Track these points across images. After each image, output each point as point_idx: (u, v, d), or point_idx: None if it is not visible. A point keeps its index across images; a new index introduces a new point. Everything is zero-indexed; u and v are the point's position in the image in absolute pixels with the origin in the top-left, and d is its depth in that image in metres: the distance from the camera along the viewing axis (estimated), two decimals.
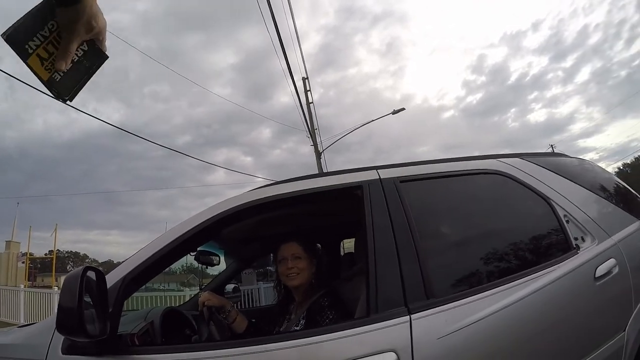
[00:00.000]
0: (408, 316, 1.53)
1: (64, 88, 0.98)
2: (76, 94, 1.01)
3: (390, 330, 1.51)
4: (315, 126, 17.70)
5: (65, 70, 0.96)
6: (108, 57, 1.06)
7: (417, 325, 1.51)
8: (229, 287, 3.57)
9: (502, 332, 1.57)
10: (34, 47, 0.92)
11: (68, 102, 1.00)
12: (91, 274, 1.52)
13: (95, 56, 1.04)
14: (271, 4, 8.54)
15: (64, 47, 0.93)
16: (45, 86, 0.95)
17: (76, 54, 0.98)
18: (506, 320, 1.58)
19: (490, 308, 1.57)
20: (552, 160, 2.16)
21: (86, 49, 1.01)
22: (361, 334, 1.51)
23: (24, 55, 0.91)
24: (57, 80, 0.96)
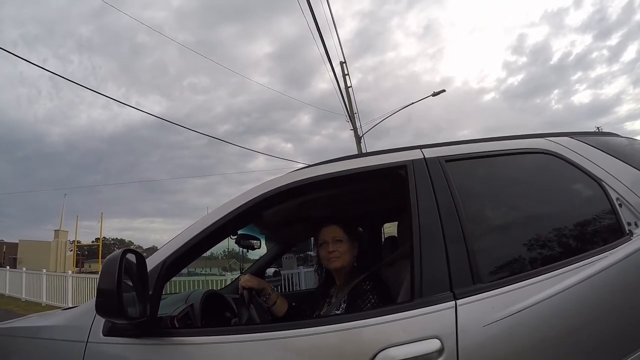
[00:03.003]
0: (454, 301, 1.48)
1: None
2: None
3: (435, 316, 1.46)
4: (355, 110, 17.53)
5: None
6: None
7: (462, 312, 1.46)
8: (270, 270, 3.59)
9: (552, 320, 1.49)
10: None
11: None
12: (131, 257, 1.54)
13: None
14: None
15: None
16: None
17: None
18: (556, 309, 1.50)
19: (538, 296, 1.49)
20: (603, 140, 2.04)
21: None
22: (404, 319, 1.47)
23: None
24: None
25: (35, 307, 13.30)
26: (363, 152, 16.47)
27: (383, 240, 3.73)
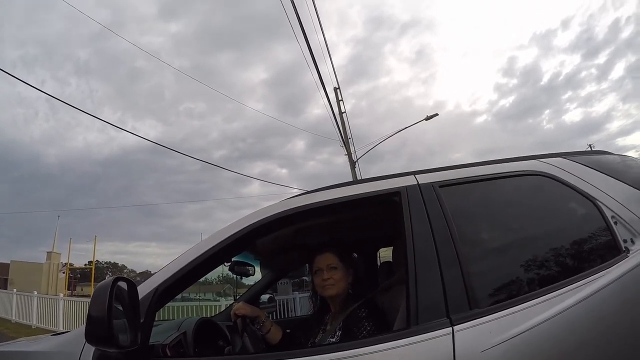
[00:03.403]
0: (450, 327, 1.47)
1: None
2: None
3: (432, 343, 1.45)
4: (349, 136, 17.67)
5: None
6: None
7: (459, 338, 1.45)
8: (264, 297, 3.56)
9: (550, 343, 1.48)
10: None
11: None
12: (122, 284, 1.51)
13: None
14: (301, 19, 8.58)
15: None
16: None
17: None
18: (554, 331, 1.49)
19: (536, 318, 1.49)
20: (595, 158, 2.05)
21: None
22: (401, 346, 1.45)
23: None
24: None
25: (25, 329, 13.15)
26: (358, 176, 16.65)
27: (379, 265, 3.70)
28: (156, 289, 1.66)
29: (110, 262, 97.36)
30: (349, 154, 17.62)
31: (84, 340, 1.55)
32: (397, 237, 2.19)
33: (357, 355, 1.45)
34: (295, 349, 2.00)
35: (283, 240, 2.75)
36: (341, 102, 17.83)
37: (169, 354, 1.83)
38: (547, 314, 1.50)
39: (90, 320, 1.40)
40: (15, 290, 16.26)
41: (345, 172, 18.41)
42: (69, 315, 13.24)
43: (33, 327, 13.53)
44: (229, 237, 1.78)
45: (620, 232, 1.74)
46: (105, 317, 1.36)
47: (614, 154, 2.21)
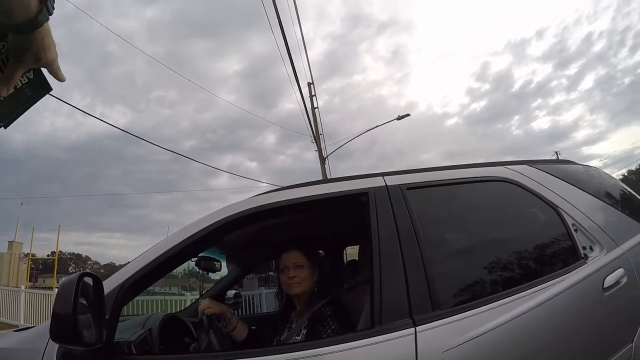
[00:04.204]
0: (413, 328, 1.49)
1: (2, 113, 0.93)
2: (13, 121, 0.95)
3: (395, 343, 1.47)
4: (320, 132, 17.67)
5: (5, 96, 0.91)
6: (52, 89, 1.01)
7: (422, 338, 1.47)
8: (230, 292, 3.53)
9: (509, 344, 1.53)
10: None
11: (3, 128, 0.94)
12: (88, 280, 1.48)
13: (39, 86, 0.98)
14: (279, 11, 8.53)
15: (8, 73, 0.89)
16: None
17: (20, 80, 0.93)
18: (513, 333, 1.54)
19: (497, 320, 1.53)
20: (559, 167, 2.12)
21: (32, 77, 0.96)
22: (365, 346, 1.48)
23: None
24: None
25: None
26: (327, 173, 16.61)
27: (345, 263, 3.73)
28: (122, 284, 1.64)
29: (74, 253, 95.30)
30: (320, 150, 17.66)
31: (47, 337, 1.53)
32: (364, 236, 2.22)
33: (321, 354, 1.47)
34: (260, 347, 2.01)
35: (251, 236, 2.73)
36: (314, 98, 17.90)
37: (134, 351, 1.80)
38: (508, 316, 1.54)
39: (56, 317, 1.36)
40: None
41: (315, 168, 18.46)
42: (30, 308, 12.84)
43: None
44: (197, 232, 1.77)
45: (580, 240, 1.81)
46: (71, 315, 1.33)
47: (578, 164, 2.28)
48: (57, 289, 1.45)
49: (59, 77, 0.98)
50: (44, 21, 0.85)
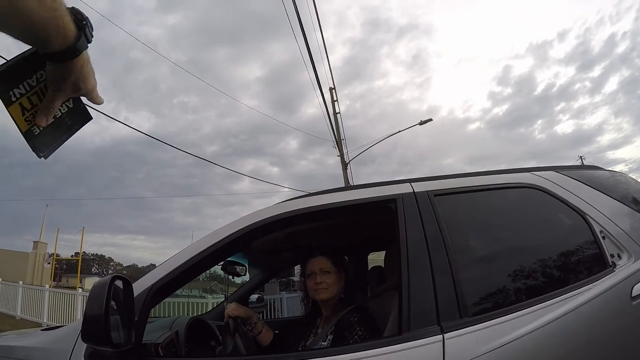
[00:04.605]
0: (441, 335, 1.48)
1: (41, 144, 0.91)
2: (53, 152, 0.95)
3: (423, 350, 1.47)
4: (342, 137, 17.68)
5: (45, 126, 0.90)
6: (92, 118, 1.01)
7: (449, 345, 1.46)
8: (253, 297, 3.55)
9: (535, 353, 1.51)
10: (18, 95, 0.86)
11: (43, 158, 0.93)
12: (119, 283, 1.51)
13: (79, 115, 0.99)
14: (301, 17, 8.59)
15: (48, 102, 0.88)
16: (23, 137, 0.88)
17: (60, 110, 0.93)
18: (539, 342, 1.51)
19: (524, 328, 1.51)
20: (586, 173, 2.09)
21: (71, 106, 0.96)
22: (392, 352, 1.47)
23: (7, 101, 0.85)
24: (36, 134, 0.90)
25: (9, 320, 13.00)
26: (349, 178, 16.59)
27: (368, 269, 3.72)
28: (151, 287, 1.66)
29: (97, 254, 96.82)
30: (342, 155, 17.65)
31: (76, 337, 1.56)
32: (391, 243, 2.21)
33: None
34: (286, 352, 2.01)
35: (277, 241, 2.76)
36: (336, 103, 17.91)
37: (161, 354, 1.83)
38: (534, 325, 1.52)
39: (88, 319, 1.38)
40: (0, 279, 16.06)
41: (336, 173, 18.47)
42: (54, 307, 13.07)
43: (17, 318, 13.37)
44: (226, 237, 1.78)
45: (608, 247, 1.77)
46: (102, 316, 1.36)
47: (604, 169, 2.24)
48: (89, 292, 1.46)
49: (97, 102, 0.97)
50: (83, 49, 0.85)
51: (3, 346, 1.83)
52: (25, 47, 0.84)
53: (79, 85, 0.89)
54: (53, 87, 0.88)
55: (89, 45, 0.86)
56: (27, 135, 0.89)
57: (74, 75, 0.86)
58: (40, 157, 0.92)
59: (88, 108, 1.00)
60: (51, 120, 0.91)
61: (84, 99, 0.98)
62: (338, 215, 2.12)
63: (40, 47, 0.81)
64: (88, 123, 1.02)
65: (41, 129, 0.90)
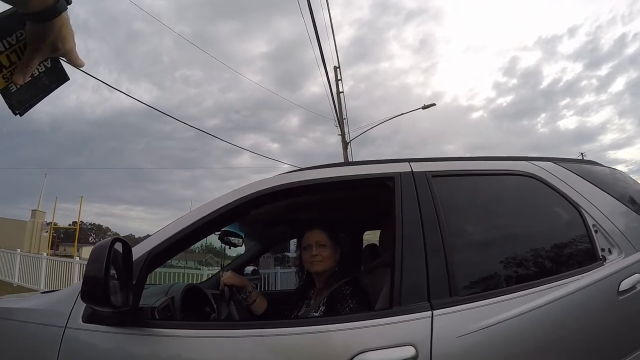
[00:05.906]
0: (430, 312, 1.52)
1: (17, 101, 0.94)
2: (28, 110, 0.97)
3: (412, 324, 1.50)
4: (344, 116, 17.58)
5: (22, 84, 0.93)
6: (69, 79, 1.03)
7: (438, 322, 1.50)
8: (249, 269, 3.58)
9: (521, 336, 1.54)
10: None
11: (18, 115, 0.96)
12: (118, 246, 1.53)
13: (56, 75, 1.01)
14: None
15: (25, 61, 0.91)
16: (0, 94, 0.92)
17: (37, 69, 0.95)
18: (526, 326, 1.55)
19: (512, 311, 1.55)
20: (584, 168, 2.10)
21: (49, 66, 0.98)
22: (381, 325, 1.51)
23: None
24: (12, 91, 0.92)
25: (6, 286, 13.03)
26: (349, 158, 16.55)
27: (363, 247, 3.75)
28: (149, 252, 1.68)
29: (94, 223, 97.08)
30: (343, 134, 17.56)
31: (74, 299, 1.60)
32: (386, 220, 2.23)
33: (339, 330, 1.50)
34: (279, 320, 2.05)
35: (275, 214, 2.79)
36: (340, 82, 17.75)
37: (157, 317, 1.87)
38: (522, 309, 1.55)
39: (88, 280, 1.41)
40: None
41: (336, 152, 18.42)
42: (51, 275, 13.16)
43: (15, 285, 13.43)
44: (225, 205, 1.80)
45: (600, 241, 1.79)
46: (102, 277, 1.39)
47: (604, 166, 2.25)
48: (90, 253, 1.49)
49: (77, 64, 0.99)
50: (62, 10, 0.86)
51: (3, 308, 1.85)
52: (6, 6, 0.85)
53: (57, 45, 0.91)
54: (32, 47, 0.90)
55: (68, 6, 0.88)
56: (4, 92, 0.92)
57: (53, 36, 0.89)
58: (15, 114, 0.95)
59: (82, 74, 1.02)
60: (28, 78, 0.93)
61: (65, 62, 1.00)
62: (336, 190, 2.14)
63: (20, 7, 0.84)
64: (63, 84, 1.04)
65: (18, 86, 0.93)
